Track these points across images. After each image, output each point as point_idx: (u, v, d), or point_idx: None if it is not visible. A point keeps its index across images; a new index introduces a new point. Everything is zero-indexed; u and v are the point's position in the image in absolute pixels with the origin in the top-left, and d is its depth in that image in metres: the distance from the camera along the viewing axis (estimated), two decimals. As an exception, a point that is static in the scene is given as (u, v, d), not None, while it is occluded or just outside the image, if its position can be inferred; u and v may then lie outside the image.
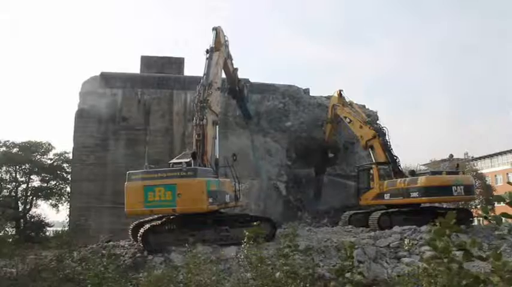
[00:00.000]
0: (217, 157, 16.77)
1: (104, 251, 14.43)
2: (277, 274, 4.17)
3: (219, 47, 19.30)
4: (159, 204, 14.47)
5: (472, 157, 58.27)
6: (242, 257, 8.76)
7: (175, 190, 14.31)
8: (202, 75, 17.62)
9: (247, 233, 8.00)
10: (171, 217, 15.54)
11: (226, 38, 20.25)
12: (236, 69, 22.13)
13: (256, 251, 7.61)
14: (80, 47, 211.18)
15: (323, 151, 25.68)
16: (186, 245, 11.91)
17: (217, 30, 19.60)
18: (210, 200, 14.56)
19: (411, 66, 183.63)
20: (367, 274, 13.01)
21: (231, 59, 21.26)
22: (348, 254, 3.65)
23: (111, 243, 17.39)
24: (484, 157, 62.44)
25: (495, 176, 59.12)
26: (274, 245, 12.47)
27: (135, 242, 16.25)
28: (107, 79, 26.03)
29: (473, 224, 20.72)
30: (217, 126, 17.24)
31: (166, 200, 14.34)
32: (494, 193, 48.52)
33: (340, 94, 24.25)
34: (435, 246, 2.75)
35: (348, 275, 3.57)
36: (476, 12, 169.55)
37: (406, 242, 14.51)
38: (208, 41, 19.12)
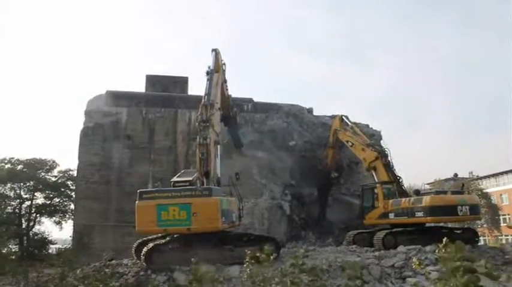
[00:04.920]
0: (219, 175, 16.81)
1: (106, 270, 14.37)
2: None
3: (218, 68, 19.57)
4: (174, 223, 14.48)
5: (477, 176, 57.98)
6: (245, 276, 8.69)
7: (190, 209, 14.37)
8: (203, 95, 17.83)
9: (248, 252, 7.95)
10: (175, 236, 15.50)
11: (223, 61, 20.55)
12: (230, 95, 22.16)
13: (258, 271, 7.54)
14: (86, 65, 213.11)
15: (327, 170, 25.64)
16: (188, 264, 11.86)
17: (216, 52, 19.92)
18: (223, 219, 14.62)
19: (413, 85, 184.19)
20: (372, 295, 12.91)
21: (227, 84, 21.36)
22: (358, 274, 3.66)
23: (114, 261, 17.32)
24: (489, 176, 62.08)
25: (500, 195, 58.76)
26: (278, 265, 12.38)
27: (138, 261, 16.17)
28: (112, 97, 26.25)
29: (479, 244, 20.56)
30: (218, 146, 17.33)
31: (181, 219, 14.38)
32: (500, 212, 48.29)
33: (341, 119, 24.47)
34: (445, 264, 2.77)
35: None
36: (477, 31, 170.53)
37: (414, 260, 14.30)
38: (208, 63, 19.33)
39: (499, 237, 49.44)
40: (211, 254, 14.70)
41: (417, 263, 4.45)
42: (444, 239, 3.22)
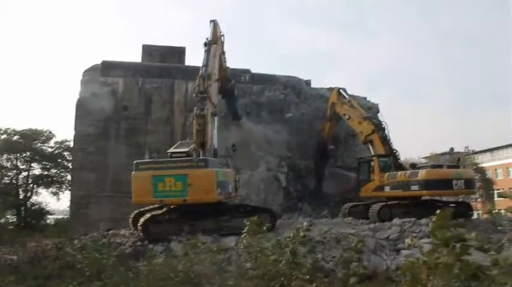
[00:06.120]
0: (216, 147, 16.82)
1: (104, 240, 14.47)
2: (282, 263, 4.21)
3: (216, 40, 19.38)
4: (170, 194, 14.61)
5: (473, 151, 58.15)
6: (241, 247, 8.78)
7: (186, 180, 14.42)
8: (201, 66, 17.67)
9: (247, 223, 8.01)
10: (172, 207, 15.58)
11: (222, 33, 20.35)
12: (228, 67, 21.99)
13: (255, 241, 7.61)
14: (82, 35, 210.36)
15: (324, 142, 25.65)
16: (184, 234, 11.99)
17: (214, 23, 19.73)
18: (219, 190, 14.67)
19: (413, 59, 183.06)
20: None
21: (225, 55, 21.21)
22: (357, 246, 3.70)
23: (111, 232, 17.44)
24: (485, 151, 62.26)
25: (495, 170, 59.08)
26: (273, 236, 12.48)
27: (135, 231, 16.28)
28: (108, 68, 25.98)
29: (472, 217, 20.77)
30: (216, 117, 17.29)
31: (176, 190, 14.49)
32: (495, 187, 48.64)
33: (339, 92, 24.34)
34: (436, 236, 2.77)
35: (353, 266, 3.63)
36: (477, 5, 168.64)
37: (409, 239, 14.39)
38: (206, 34, 19.21)
39: (492, 210, 49.89)
40: (207, 225, 14.86)
41: (411, 241, 4.45)
42: (438, 211, 3.21)
